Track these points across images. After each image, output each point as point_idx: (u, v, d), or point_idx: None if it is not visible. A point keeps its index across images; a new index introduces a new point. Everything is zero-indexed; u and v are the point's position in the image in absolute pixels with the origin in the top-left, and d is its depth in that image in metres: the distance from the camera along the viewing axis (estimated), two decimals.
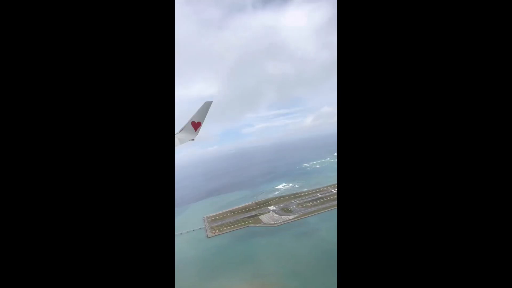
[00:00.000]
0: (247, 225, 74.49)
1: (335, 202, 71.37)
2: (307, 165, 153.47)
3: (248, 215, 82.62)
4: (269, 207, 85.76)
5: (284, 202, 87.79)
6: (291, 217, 73.62)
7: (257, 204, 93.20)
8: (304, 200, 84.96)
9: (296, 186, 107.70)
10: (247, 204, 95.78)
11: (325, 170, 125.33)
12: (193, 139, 11.92)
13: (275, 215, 78.17)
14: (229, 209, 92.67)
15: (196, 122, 12.06)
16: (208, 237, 71.59)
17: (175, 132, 11.76)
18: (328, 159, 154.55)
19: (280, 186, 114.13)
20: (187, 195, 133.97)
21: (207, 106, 12.26)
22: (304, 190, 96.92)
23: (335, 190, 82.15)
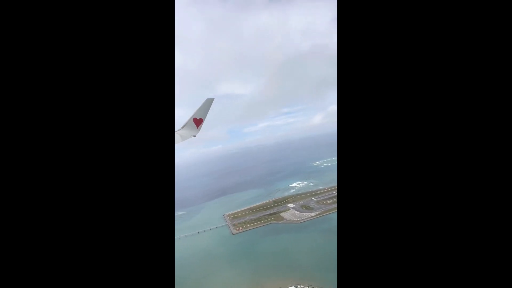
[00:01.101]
0: (270, 222, 76.39)
1: None
2: (317, 163, 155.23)
3: (268, 213, 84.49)
4: (288, 205, 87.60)
5: (302, 200, 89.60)
6: (313, 214, 75.49)
7: (274, 202, 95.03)
8: (322, 198, 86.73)
9: (311, 184, 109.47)
10: (264, 202, 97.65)
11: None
12: (195, 136, 11.86)
13: (296, 212, 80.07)
14: (248, 207, 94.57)
15: (198, 118, 11.97)
16: (233, 234, 73.52)
17: (177, 129, 11.78)
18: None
19: (294, 184, 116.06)
20: (200, 194, 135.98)
21: (209, 102, 12.23)
22: (320, 188, 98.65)
23: None
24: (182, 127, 11.84)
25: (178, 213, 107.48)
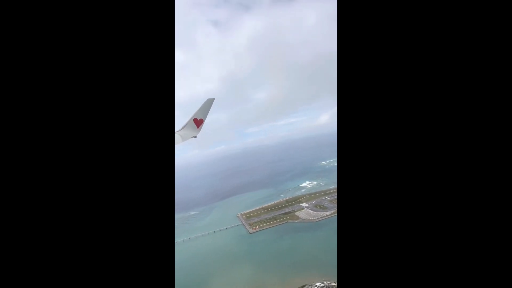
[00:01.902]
0: (286, 221, 77.67)
1: None
2: (324, 163, 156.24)
3: (282, 212, 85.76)
4: (301, 204, 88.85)
5: (315, 199, 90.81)
6: (328, 213, 76.70)
7: (287, 201, 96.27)
8: (335, 197, 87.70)
9: (321, 183, 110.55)
10: (276, 201, 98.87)
11: None
12: (195, 136, 11.92)
13: (311, 211, 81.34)
14: (261, 207, 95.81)
15: (198, 119, 12.02)
16: (250, 233, 74.85)
17: (177, 130, 11.80)
18: None
19: (305, 184, 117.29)
20: (210, 194, 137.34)
21: (209, 103, 12.26)
22: (331, 187, 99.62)
23: None
24: (183, 128, 11.88)
25: (190, 213, 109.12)
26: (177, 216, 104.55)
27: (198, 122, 12.05)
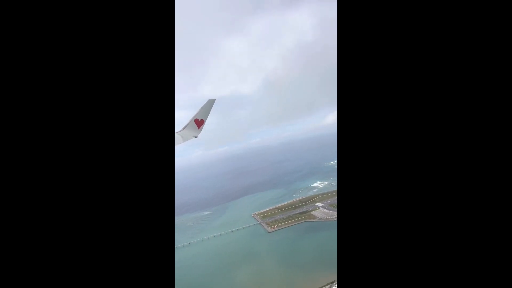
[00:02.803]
0: (304, 221, 79.11)
1: None
2: (332, 163, 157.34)
3: (298, 212, 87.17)
4: (316, 204, 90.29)
5: (329, 199, 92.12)
6: None
7: (300, 201, 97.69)
8: None
9: (333, 183, 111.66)
10: (290, 201, 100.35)
11: None
12: (196, 137, 12.00)
13: (327, 210, 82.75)
14: (275, 206, 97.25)
15: (199, 119, 12.10)
16: (268, 232, 76.25)
17: (178, 130, 11.90)
18: None
19: (316, 184, 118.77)
20: (220, 194, 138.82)
21: (210, 103, 12.31)
22: None
23: None
24: (184, 128, 11.96)
25: (203, 213, 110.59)
26: (190, 216, 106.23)
27: (199, 123, 12.14)
